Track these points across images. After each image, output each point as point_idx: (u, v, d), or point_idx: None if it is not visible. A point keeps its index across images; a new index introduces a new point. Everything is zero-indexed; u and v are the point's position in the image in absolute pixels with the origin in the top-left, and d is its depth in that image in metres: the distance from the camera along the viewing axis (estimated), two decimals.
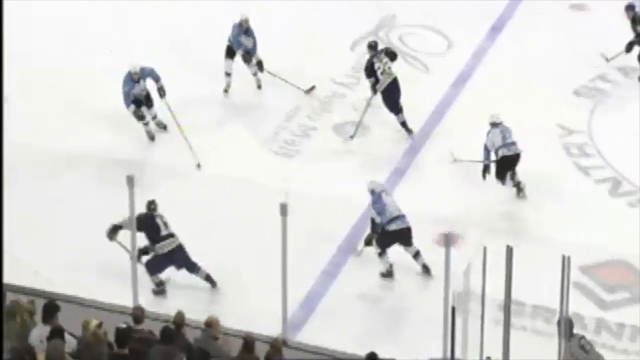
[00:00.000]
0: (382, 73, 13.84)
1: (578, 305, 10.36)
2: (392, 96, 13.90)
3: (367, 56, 14.11)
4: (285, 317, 10.40)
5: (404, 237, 11.72)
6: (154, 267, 11.45)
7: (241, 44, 14.61)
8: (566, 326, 9.39)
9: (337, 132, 14.17)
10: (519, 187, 12.88)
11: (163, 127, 14.14)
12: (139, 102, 13.81)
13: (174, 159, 13.42)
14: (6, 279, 9.39)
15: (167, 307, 10.46)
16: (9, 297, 9.26)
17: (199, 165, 13.32)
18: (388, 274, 11.77)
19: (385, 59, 13.92)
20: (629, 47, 15.12)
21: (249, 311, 10.75)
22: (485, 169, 12.88)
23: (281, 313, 10.36)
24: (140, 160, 13.38)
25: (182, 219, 11.57)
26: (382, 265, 11.77)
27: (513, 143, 12.81)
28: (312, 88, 14.92)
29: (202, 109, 14.57)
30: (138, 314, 9.37)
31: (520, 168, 12.84)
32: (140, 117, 13.84)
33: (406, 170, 13.48)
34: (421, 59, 15.79)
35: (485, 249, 9.10)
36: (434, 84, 15.12)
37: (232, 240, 11.92)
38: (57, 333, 8.64)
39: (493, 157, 12.87)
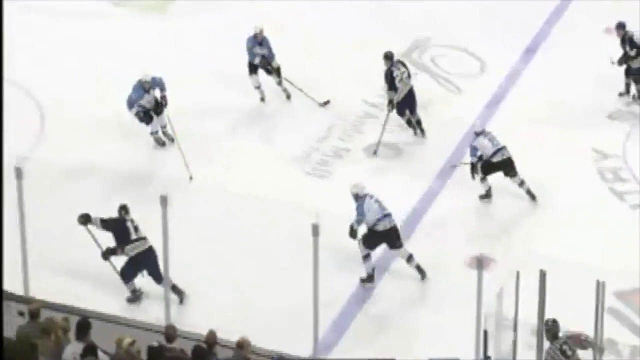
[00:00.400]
0: (399, 81, 14.17)
1: (612, 331, 10.30)
2: (407, 104, 14.25)
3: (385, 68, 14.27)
4: (316, 337, 10.38)
5: (391, 236, 11.81)
6: (127, 274, 11.49)
7: (256, 55, 14.86)
8: (553, 328, 9.51)
9: (369, 153, 14.20)
10: (530, 194, 13.05)
11: (170, 139, 14.19)
12: (147, 112, 13.94)
13: (201, 174, 13.51)
14: (41, 296, 9.51)
15: (199, 326, 10.46)
16: (44, 314, 9.33)
17: (191, 178, 13.33)
18: (369, 279, 11.85)
19: (403, 69, 14.29)
20: (620, 62, 15.12)
21: (280, 332, 10.76)
22: (474, 169, 13.03)
23: (312, 333, 10.34)
24: (159, 175, 13.50)
25: (211, 237, 11.61)
26: (365, 268, 11.81)
27: (503, 147, 13.02)
28: (327, 102, 15.05)
29: (231, 126, 14.70)
30: (170, 333, 9.40)
31: (553, 192, 12.80)
32: (142, 120, 13.91)
33: (440, 191, 13.46)
34: (454, 80, 15.77)
35: (518, 273, 9.08)
36: (466, 105, 15.08)
37: (264, 259, 11.96)
38: (90, 350, 8.69)
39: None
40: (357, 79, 15.49)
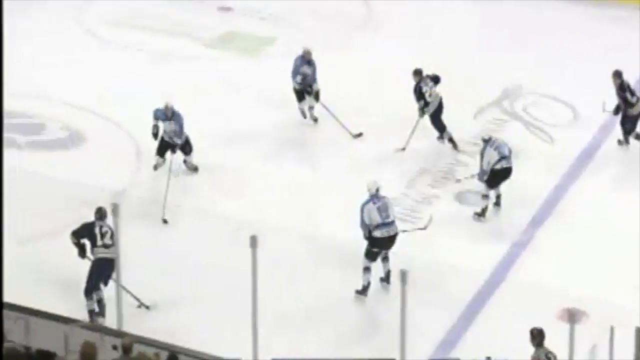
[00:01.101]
0: (429, 95, 14.74)
1: None
2: (438, 116, 14.93)
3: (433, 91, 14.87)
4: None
5: (388, 244, 12.10)
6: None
7: (300, 73, 15.41)
8: (539, 335, 9.99)
9: (460, 200, 14.13)
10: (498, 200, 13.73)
11: (194, 169, 14.33)
12: (167, 143, 14.08)
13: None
14: (134, 332, 9.63)
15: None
16: (136, 348, 9.46)
17: (165, 221, 13.27)
18: (363, 291, 12.09)
19: (431, 83, 14.88)
20: (616, 111, 15.00)
21: None
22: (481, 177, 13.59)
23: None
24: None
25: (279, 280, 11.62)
26: (363, 279, 12.03)
27: (508, 156, 13.53)
28: (360, 134, 15.28)
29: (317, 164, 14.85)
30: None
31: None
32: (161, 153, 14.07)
33: (529, 242, 13.33)
34: (546, 129, 15.68)
35: (612, 328, 8.94)
36: (558, 155, 14.97)
37: (347, 308, 11.98)
38: None
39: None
40: (449, 126, 15.38)
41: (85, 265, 11.65)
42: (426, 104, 14.77)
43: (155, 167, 14.20)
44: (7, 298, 9.47)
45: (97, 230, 11.61)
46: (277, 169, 14.73)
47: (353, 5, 20.34)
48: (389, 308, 11.35)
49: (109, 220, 11.17)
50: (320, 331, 11.50)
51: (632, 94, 14.81)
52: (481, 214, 13.55)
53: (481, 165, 13.62)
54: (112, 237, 11.41)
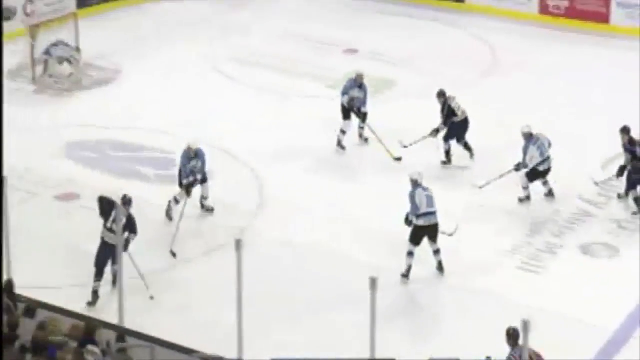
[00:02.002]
0: (458, 109, 15.90)
1: None
2: (461, 129, 15.90)
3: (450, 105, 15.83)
4: None
5: (432, 232, 13.06)
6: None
7: (351, 96, 16.14)
8: (513, 335, 10.26)
9: (585, 251, 13.86)
10: (551, 193, 14.83)
11: (211, 210, 14.34)
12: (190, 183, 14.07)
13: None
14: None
15: None
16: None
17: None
18: (407, 275, 13.01)
19: (456, 101, 15.96)
20: (621, 172, 14.72)
21: None
22: (517, 168, 14.60)
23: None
24: None
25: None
26: (406, 263, 12.93)
27: (549, 157, 14.60)
28: (399, 159, 15.77)
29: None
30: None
31: None
32: (188, 192, 14.02)
33: None
34: None
35: None
36: None
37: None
38: None
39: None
40: (572, 174, 15.27)
41: None
42: (455, 115, 15.82)
43: (177, 201, 14.19)
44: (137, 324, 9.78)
45: (114, 212, 12.29)
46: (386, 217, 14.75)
47: (479, 51, 20.51)
48: None
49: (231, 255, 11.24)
50: None
51: None
52: (525, 199, 14.76)
53: (524, 159, 14.67)
54: (121, 225, 12.00)
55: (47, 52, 18.69)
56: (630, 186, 14.68)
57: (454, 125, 15.93)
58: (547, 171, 14.79)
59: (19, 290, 10.12)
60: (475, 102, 16.55)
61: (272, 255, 13.36)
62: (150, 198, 14.26)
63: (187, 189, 14.05)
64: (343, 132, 16.33)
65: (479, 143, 15.99)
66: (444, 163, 15.88)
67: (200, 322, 11.89)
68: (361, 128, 16.47)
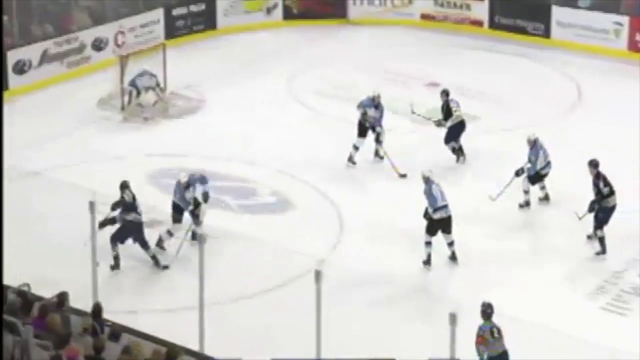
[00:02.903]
0: (455, 111, 16.95)
1: None
2: (456, 131, 17.01)
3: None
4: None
5: (447, 224, 14.06)
6: (115, 238, 13.52)
7: (366, 114, 16.79)
8: (488, 311, 11.11)
9: None
10: (547, 197, 15.58)
11: (201, 239, 13.93)
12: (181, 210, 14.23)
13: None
14: None
15: None
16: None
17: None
18: (428, 262, 14.03)
19: (457, 103, 17.08)
20: (591, 207, 14.23)
21: None
22: (519, 173, 15.30)
23: None
24: None
25: None
26: (425, 252, 13.96)
27: (550, 162, 15.37)
28: (404, 175, 16.39)
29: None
30: None
31: None
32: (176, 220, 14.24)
33: None
34: None
35: None
36: None
37: None
38: None
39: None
40: None
41: None
42: (451, 116, 16.95)
43: (171, 234, 14.28)
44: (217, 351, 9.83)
45: (125, 198, 13.74)
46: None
47: (564, 87, 20.32)
48: None
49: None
50: None
51: (606, 184, 14.14)
52: (525, 205, 15.46)
53: (535, 166, 15.31)
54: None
55: (133, 83, 19.01)
56: (597, 224, 14.29)
57: (451, 129, 17.04)
58: (547, 175, 15.50)
59: (105, 314, 10.32)
60: (559, 139, 16.41)
61: (350, 286, 13.36)
62: (230, 227, 14.40)
63: (193, 215, 14.23)
64: (356, 147, 16.92)
65: (563, 180, 15.78)
66: (458, 161, 16.96)
67: (278, 349, 11.91)
68: (379, 142, 17.04)
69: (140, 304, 12.81)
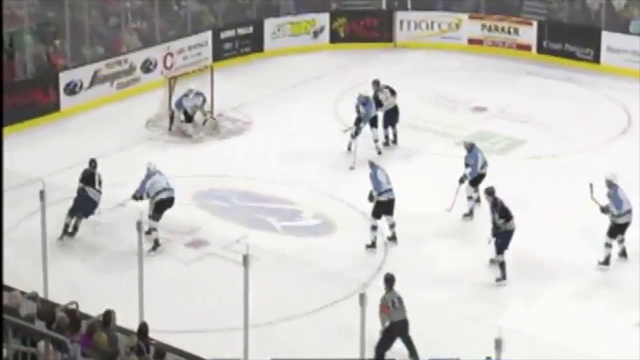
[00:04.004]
0: (385, 100, 18.30)
1: None
2: (390, 116, 18.44)
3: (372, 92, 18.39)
4: None
5: (390, 207, 15.01)
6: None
7: (358, 111, 18.11)
8: (389, 281, 12.13)
9: None
10: (479, 200, 15.83)
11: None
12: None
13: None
14: None
15: None
16: None
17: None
18: (373, 245, 14.86)
19: (387, 92, 18.40)
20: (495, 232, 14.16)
21: None
22: (463, 179, 15.89)
23: None
24: None
25: None
26: (371, 236, 14.80)
27: (487, 162, 16.04)
28: (352, 168, 17.15)
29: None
30: None
31: None
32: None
33: None
34: None
35: None
36: None
37: None
38: None
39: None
40: None
41: None
42: (381, 105, 18.32)
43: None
44: None
45: (96, 176, 15.23)
46: None
47: (613, 113, 20.23)
48: None
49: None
50: None
51: (501, 214, 14.14)
52: (469, 214, 15.85)
53: (475, 168, 15.87)
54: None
55: (179, 104, 19.16)
56: (497, 249, 14.19)
57: (386, 114, 18.41)
58: (485, 175, 15.97)
59: (150, 333, 10.41)
60: (609, 165, 16.24)
61: None
62: (275, 248, 14.44)
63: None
64: (375, 140, 18.21)
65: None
66: (386, 144, 18.27)
67: None
68: (376, 141, 18.13)
69: (185, 324, 12.87)
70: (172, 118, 19.22)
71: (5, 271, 12.97)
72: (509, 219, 14.14)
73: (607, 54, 22.42)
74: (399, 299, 12.07)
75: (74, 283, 13.06)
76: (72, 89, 20.22)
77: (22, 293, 11.11)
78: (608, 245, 14.55)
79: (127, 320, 11.07)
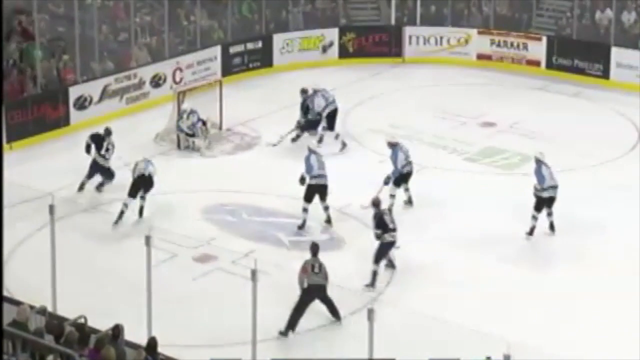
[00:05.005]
0: (318, 106, 19.17)
1: None
2: (332, 118, 19.28)
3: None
4: None
5: (323, 191, 15.95)
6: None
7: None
8: (314, 248, 13.25)
9: None
10: (410, 199, 16.69)
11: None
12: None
13: None
14: None
15: None
16: None
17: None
18: (302, 226, 15.83)
19: (318, 98, 19.25)
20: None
21: None
22: (387, 181, 16.37)
23: None
24: None
25: None
26: (302, 217, 15.80)
27: (411, 161, 16.58)
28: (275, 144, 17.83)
29: None
30: None
31: None
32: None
33: None
34: None
35: None
36: None
37: None
38: None
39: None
40: None
41: None
42: (309, 113, 19.12)
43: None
44: None
45: (104, 143, 17.08)
46: None
47: (623, 129, 20.21)
48: None
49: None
50: None
51: (379, 225, 14.46)
52: (389, 209, 15.82)
53: (395, 168, 16.41)
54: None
55: (179, 129, 19.25)
56: (375, 258, 14.43)
57: (328, 116, 19.12)
58: (410, 175, 16.57)
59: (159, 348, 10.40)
60: (620, 183, 16.28)
61: (402, 326, 13.30)
62: (283, 263, 14.43)
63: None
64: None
65: (618, 220, 15.59)
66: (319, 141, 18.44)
67: None
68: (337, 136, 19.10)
69: (193, 338, 12.86)
70: (178, 139, 19.32)
71: (14, 285, 13.19)
72: (386, 231, 14.47)
73: (616, 70, 22.42)
74: (321, 265, 13.21)
75: (83, 297, 13.05)
76: (82, 104, 20.28)
77: (31, 307, 11.11)
78: (534, 218, 15.64)
79: (135, 334, 11.07)
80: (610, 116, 20.91)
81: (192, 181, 17.97)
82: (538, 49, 23.46)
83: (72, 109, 20.10)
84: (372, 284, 14.35)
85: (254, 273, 10.69)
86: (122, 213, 16.00)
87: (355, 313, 13.15)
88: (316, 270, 13.20)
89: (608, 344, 12.97)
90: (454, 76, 23.26)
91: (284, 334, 13.02)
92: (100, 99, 20.58)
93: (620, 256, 15.13)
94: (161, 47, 22.17)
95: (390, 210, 15.74)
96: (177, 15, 22.80)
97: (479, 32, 24.13)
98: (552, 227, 15.72)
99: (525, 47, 23.62)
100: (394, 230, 14.50)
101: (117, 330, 10.72)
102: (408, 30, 24.45)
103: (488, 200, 16.94)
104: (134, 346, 10.71)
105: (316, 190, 15.98)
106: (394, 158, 16.56)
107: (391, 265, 14.82)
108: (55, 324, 10.74)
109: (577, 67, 22.96)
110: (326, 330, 13.35)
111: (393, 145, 16.68)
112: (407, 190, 16.71)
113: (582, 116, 20.95)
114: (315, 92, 19.44)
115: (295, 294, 13.86)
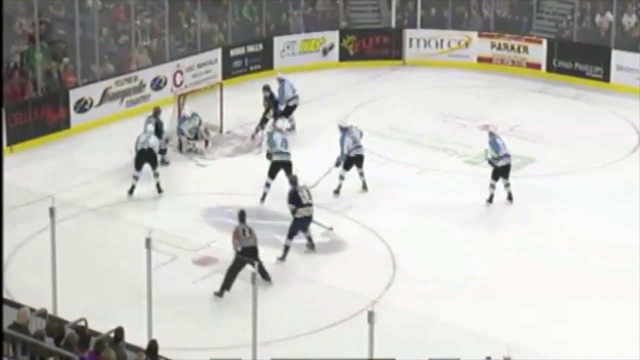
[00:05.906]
0: (281, 98, 19.87)
1: None
2: (290, 110, 20.01)
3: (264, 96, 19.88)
4: None
5: (287, 167, 16.53)
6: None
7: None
8: (241, 215, 14.21)
9: None
10: (365, 185, 17.18)
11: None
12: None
13: None
14: None
15: None
16: None
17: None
18: (263, 199, 16.70)
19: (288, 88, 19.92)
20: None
21: None
22: (338, 163, 17.11)
23: None
24: None
25: None
26: (262, 191, 16.63)
27: (361, 145, 17.12)
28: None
29: None
30: None
31: None
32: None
33: None
34: None
35: None
36: None
37: None
38: None
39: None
40: None
41: None
42: (276, 105, 19.75)
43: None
44: None
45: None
46: None
47: (623, 131, 20.21)
48: None
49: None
50: None
51: (292, 200, 15.08)
52: (337, 191, 16.96)
53: (342, 151, 16.97)
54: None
55: (180, 132, 19.31)
56: (288, 234, 15.12)
57: (286, 109, 19.81)
58: (360, 159, 17.09)
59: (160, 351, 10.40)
60: (621, 185, 16.28)
61: (402, 328, 13.29)
62: (283, 265, 14.46)
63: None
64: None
65: (621, 221, 15.60)
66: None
67: None
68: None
69: (194, 341, 12.87)
70: (180, 143, 19.35)
71: (15, 288, 13.19)
72: (301, 206, 14.97)
73: (617, 73, 22.44)
74: (250, 229, 14.11)
75: (83, 300, 13.05)
76: (83, 107, 20.30)
77: (32, 310, 11.11)
78: (492, 187, 16.51)
79: (136, 337, 11.07)
80: (610, 119, 20.92)
81: (193, 184, 17.99)
82: (538, 52, 23.47)
83: (72, 112, 20.11)
84: (283, 257, 14.93)
85: (253, 276, 10.69)
86: (133, 186, 17.12)
87: (355, 316, 13.12)
88: (247, 234, 14.04)
89: (601, 343, 13.02)
90: (454, 79, 23.27)
91: (219, 294, 13.80)
92: (101, 102, 20.59)
93: (621, 256, 15.12)
94: (162, 49, 22.18)
95: (337, 191, 16.92)
96: (178, 17, 22.83)
97: (480, 35, 24.14)
98: (510, 197, 16.49)
99: (526, 49, 23.64)
100: (308, 205, 15.07)
101: (119, 333, 10.73)
102: (408, 33, 24.47)
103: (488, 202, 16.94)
104: (134, 349, 10.71)
105: (280, 166, 16.67)
106: (342, 142, 17.09)
107: (310, 245, 15.18)
108: (55, 326, 10.74)
109: (578, 70, 22.97)
110: (326, 334, 13.35)
111: (343, 130, 17.19)
112: (361, 174, 17.15)
113: (582, 119, 20.96)
114: (284, 80, 20.08)
115: (295, 293, 13.92)
